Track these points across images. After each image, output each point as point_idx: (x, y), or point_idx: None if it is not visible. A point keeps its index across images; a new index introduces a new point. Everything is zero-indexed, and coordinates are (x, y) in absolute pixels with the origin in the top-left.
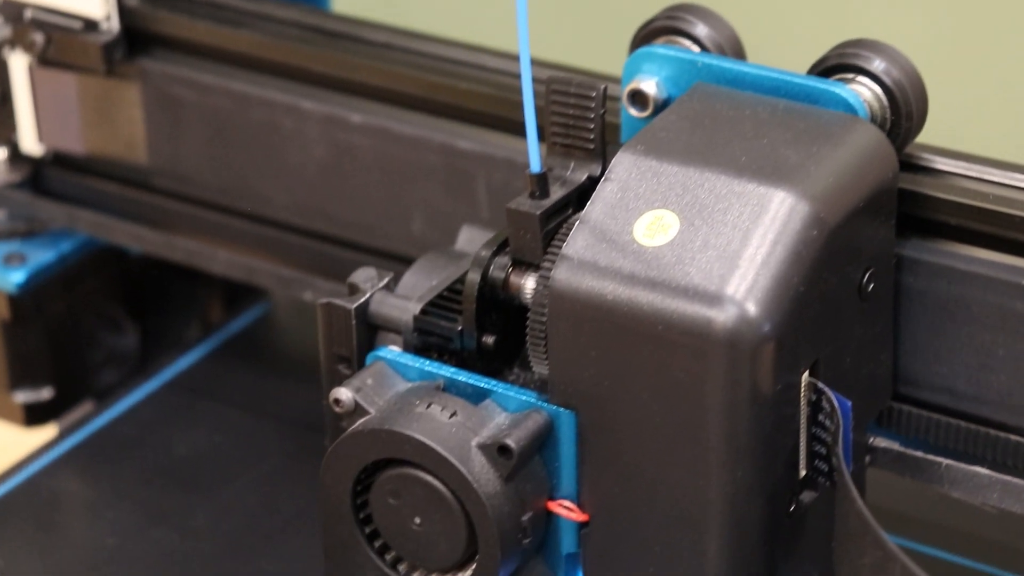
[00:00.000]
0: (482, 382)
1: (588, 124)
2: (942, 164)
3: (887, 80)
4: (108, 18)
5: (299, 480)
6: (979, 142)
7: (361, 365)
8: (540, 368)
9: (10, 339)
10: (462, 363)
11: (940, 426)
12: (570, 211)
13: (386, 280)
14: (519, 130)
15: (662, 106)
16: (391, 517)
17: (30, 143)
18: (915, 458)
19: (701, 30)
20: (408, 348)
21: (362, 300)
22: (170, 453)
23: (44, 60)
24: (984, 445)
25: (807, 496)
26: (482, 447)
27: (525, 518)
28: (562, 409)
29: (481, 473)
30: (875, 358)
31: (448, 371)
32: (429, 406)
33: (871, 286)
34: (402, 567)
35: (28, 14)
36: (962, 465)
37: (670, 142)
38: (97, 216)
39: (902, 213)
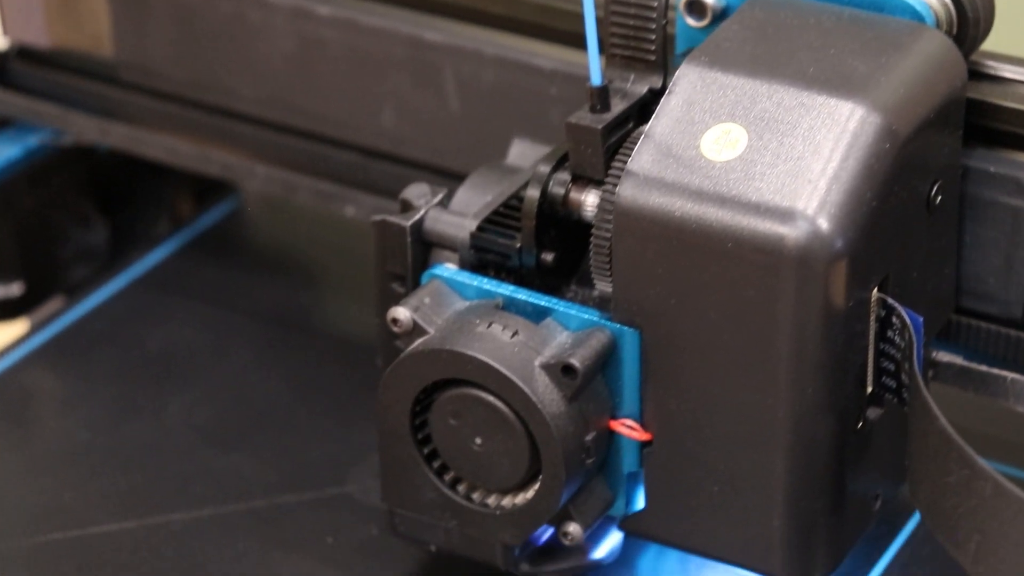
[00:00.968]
0: (543, 300)
1: (649, 35)
2: (1008, 72)
3: None
4: None
5: (271, 374)
6: None
7: (416, 284)
8: (603, 286)
9: None
10: (519, 280)
11: (1004, 339)
12: (631, 125)
13: (440, 196)
14: (488, 21)
15: (720, 15)
16: (451, 438)
17: None
18: (979, 372)
19: None
20: (464, 266)
21: (417, 217)
22: (142, 348)
23: None
24: None
25: (873, 413)
26: (545, 367)
27: (588, 438)
28: (626, 327)
29: (545, 393)
30: (939, 272)
31: (507, 289)
32: (490, 325)
33: (938, 198)
34: (461, 487)
35: None
36: None
37: (734, 53)
38: (63, 110)
39: (967, 123)
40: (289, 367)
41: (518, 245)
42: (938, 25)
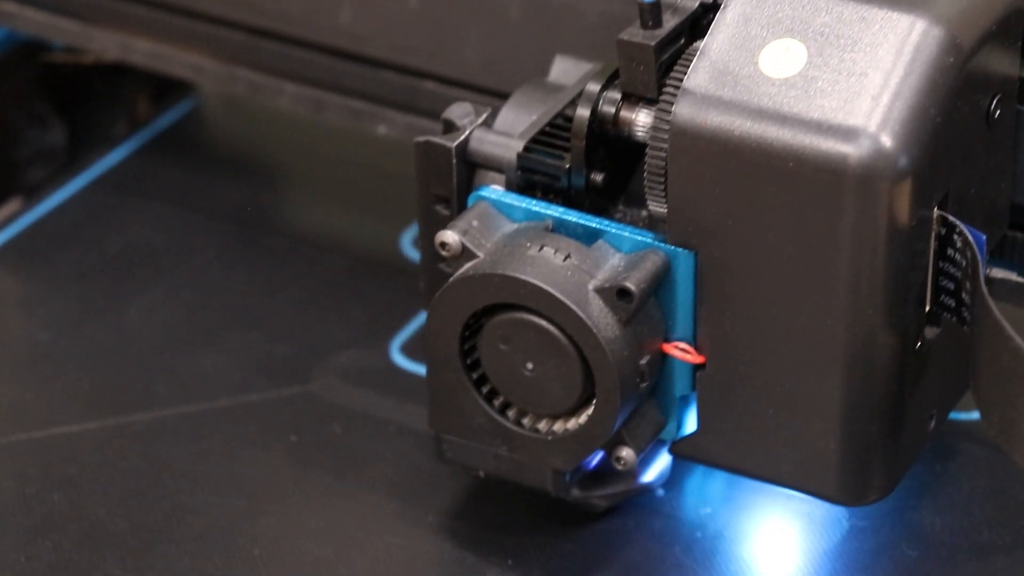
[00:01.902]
0: (594, 222)
1: None
2: None
3: None
4: None
5: (232, 275)
6: None
7: (461, 206)
8: (656, 207)
9: None
10: (567, 201)
11: None
12: (683, 41)
13: (484, 116)
14: None
15: None
16: (501, 362)
17: None
18: None
19: None
20: (510, 187)
21: (462, 138)
22: (102, 249)
23: None
24: None
25: (931, 332)
26: (600, 291)
27: (643, 362)
28: (680, 249)
29: (600, 317)
30: (996, 187)
31: (557, 211)
32: (541, 249)
33: (997, 112)
34: (511, 413)
35: None
36: None
37: None
38: (16, 7)
39: None
40: (251, 267)
41: (567, 165)
42: None
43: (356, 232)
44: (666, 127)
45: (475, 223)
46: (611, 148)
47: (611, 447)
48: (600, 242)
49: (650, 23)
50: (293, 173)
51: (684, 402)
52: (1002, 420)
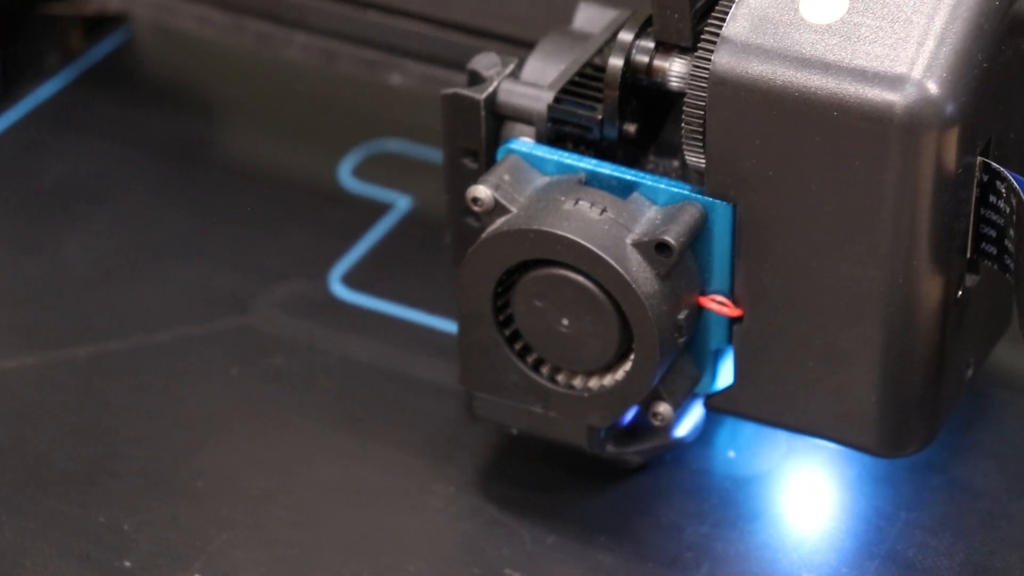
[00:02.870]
0: (629, 174)
1: None
2: None
3: None
4: None
5: (169, 208)
6: None
7: (490, 159)
8: (695, 158)
9: None
10: (598, 153)
11: None
12: None
13: (511, 66)
14: None
15: None
16: (535, 319)
17: None
18: None
19: None
20: (540, 139)
21: (490, 89)
22: (37, 183)
23: None
24: None
25: (971, 280)
26: (638, 245)
27: (681, 316)
28: (718, 201)
29: (638, 272)
30: None
31: (590, 163)
32: (576, 203)
33: None
34: (545, 369)
35: None
36: None
37: None
38: None
39: None
40: (188, 199)
41: (600, 116)
42: None
43: (293, 163)
44: (705, 77)
45: (507, 177)
46: (643, 98)
47: (648, 403)
48: (635, 195)
49: None
50: (229, 104)
51: (719, 355)
52: None
